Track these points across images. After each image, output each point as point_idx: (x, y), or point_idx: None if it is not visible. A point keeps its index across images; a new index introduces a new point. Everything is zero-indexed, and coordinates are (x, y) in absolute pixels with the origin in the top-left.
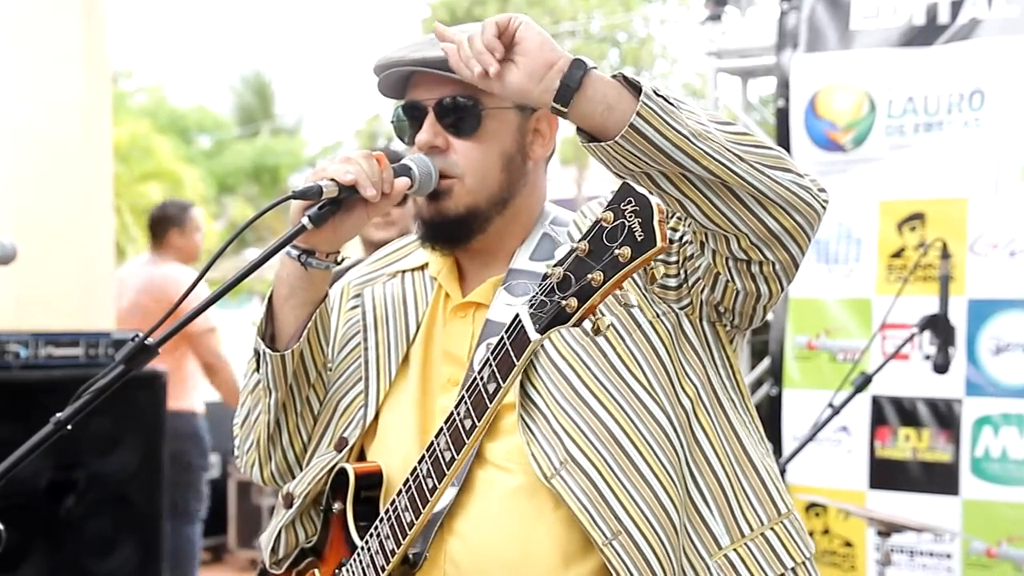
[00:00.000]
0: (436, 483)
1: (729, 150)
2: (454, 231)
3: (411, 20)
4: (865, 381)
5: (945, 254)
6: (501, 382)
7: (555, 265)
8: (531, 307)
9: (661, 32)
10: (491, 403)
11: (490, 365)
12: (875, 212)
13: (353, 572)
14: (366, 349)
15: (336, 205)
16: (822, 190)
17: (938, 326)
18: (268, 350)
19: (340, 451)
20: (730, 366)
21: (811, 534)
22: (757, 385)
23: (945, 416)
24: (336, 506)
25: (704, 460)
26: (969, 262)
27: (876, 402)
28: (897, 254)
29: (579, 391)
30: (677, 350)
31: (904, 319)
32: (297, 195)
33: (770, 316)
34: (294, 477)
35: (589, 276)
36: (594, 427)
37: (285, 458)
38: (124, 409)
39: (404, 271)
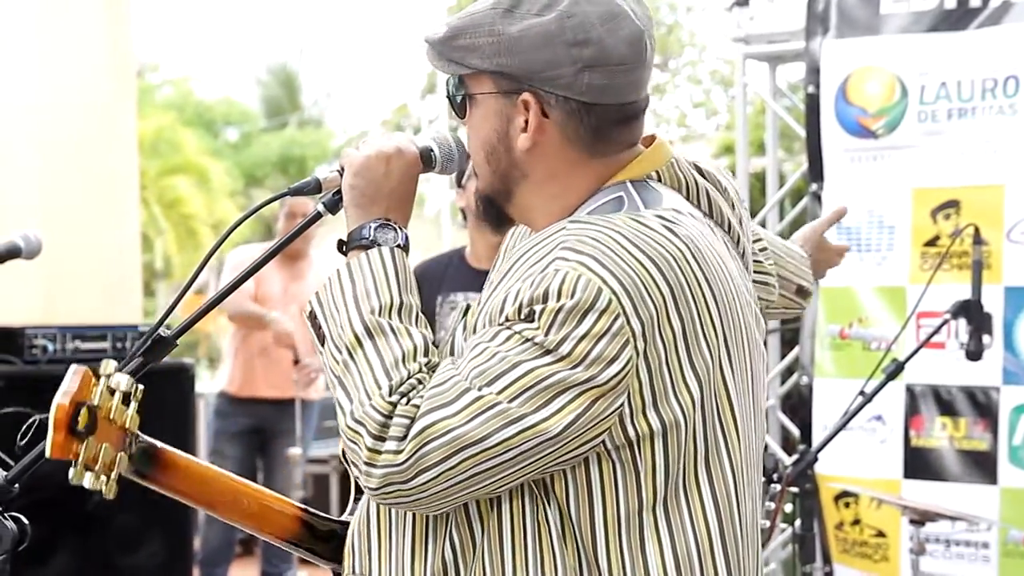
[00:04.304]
0: None
1: None
2: (485, 214)
3: (438, 8)
4: (897, 368)
5: (978, 239)
6: None
7: None
8: None
9: (688, 19)
10: None
11: None
12: (908, 199)
13: None
14: None
15: None
16: None
17: (971, 312)
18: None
19: None
20: None
21: (840, 525)
22: (788, 374)
23: (982, 404)
24: None
25: None
26: (1006, 250)
27: (911, 391)
28: (931, 242)
29: None
30: None
31: (940, 307)
32: (292, 191)
33: None
34: None
35: None
36: None
37: None
38: (151, 402)
39: None
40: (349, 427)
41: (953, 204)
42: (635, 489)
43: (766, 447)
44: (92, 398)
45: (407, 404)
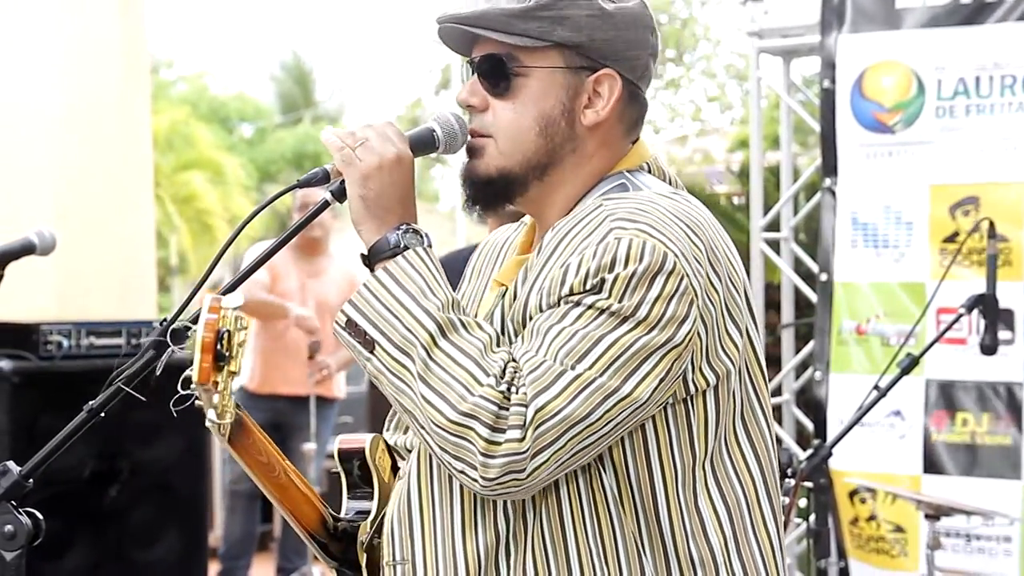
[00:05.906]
0: None
1: None
2: (483, 193)
3: (452, 6)
4: (911, 363)
5: (993, 234)
6: None
7: None
8: None
9: (703, 13)
10: None
11: None
12: (926, 196)
13: None
14: None
15: None
16: None
17: (986, 306)
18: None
19: None
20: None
21: (855, 520)
22: (802, 369)
23: (1006, 400)
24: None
25: None
26: None
27: (931, 386)
28: (951, 238)
29: None
30: None
31: (961, 303)
32: (302, 183)
33: (813, 299)
34: None
35: None
36: None
37: None
38: (166, 397)
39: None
40: (455, 422)
41: (972, 201)
42: (689, 445)
43: (780, 441)
44: (227, 325)
45: (517, 393)
